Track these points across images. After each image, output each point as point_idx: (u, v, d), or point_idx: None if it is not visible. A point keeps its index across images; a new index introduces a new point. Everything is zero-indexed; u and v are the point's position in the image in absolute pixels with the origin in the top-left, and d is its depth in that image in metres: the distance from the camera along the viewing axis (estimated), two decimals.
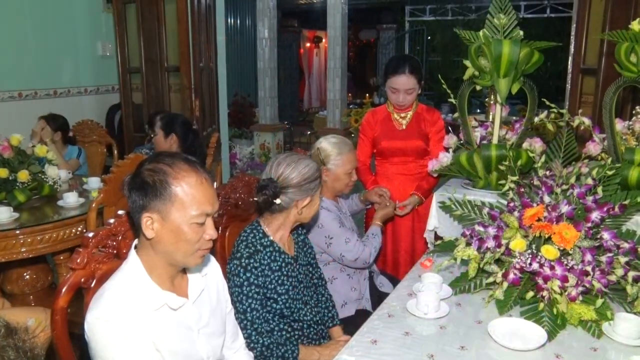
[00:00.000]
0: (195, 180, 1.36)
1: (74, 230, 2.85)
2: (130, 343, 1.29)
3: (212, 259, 1.67)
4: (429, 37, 13.76)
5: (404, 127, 2.99)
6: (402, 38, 14.19)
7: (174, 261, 1.41)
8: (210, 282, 1.60)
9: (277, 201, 1.92)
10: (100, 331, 1.28)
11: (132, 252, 1.44)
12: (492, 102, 2.60)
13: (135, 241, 1.48)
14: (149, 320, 1.35)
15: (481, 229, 1.95)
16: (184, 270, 1.52)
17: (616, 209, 1.82)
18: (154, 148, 3.54)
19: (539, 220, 1.82)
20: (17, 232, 2.65)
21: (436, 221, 2.53)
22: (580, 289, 1.71)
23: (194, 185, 1.35)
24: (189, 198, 1.34)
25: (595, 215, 1.80)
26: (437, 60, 13.53)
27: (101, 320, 1.28)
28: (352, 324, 2.21)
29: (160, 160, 1.36)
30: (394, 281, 2.70)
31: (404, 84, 2.85)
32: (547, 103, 2.39)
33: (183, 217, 1.34)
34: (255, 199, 1.97)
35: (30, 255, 2.72)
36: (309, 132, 10.09)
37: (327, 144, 2.53)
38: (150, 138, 3.51)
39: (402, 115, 2.99)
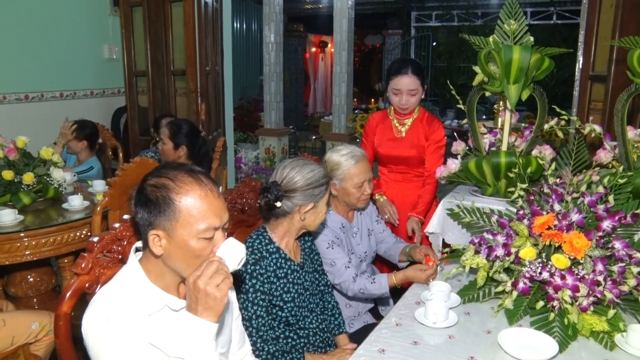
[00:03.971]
0: (200, 193, 1.30)
1: (78, 234, 2.83)
2: (125, 343, 1.26)
3: None
4: (435, 43, 13.76)
5: (403, 134, 2.94)
6: (407, 43, 14.18)
7: (184, 276, 1.37)
8: None
9: (278, 204, 1.90)
10: (94, 331, 1.26)
11: (132, 257, 1.41)
12: (501, 108, 2.58)
13: (137, 244, 1.45)
14: (148, 323, 1.32)
15: (490, 236, 1.92)
16: None
17: (628, 218, 1.78)
18: (159, 151, 3.52)
19: (549, 228, 1.79)
20: (22, 234, 2.64)
21: (437, 225, 2.51)
22: (592, 299, 1.68)
23: (198, 198, 1.30)
24: (194, 213, 1.29)
25: (606, 224, 1.77)
26: (442, 66, 13.51)
27: (96, 321, 1.26)
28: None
29: (163, 174, 1.32)
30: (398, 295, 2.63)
31: (406, 84, 2.78)
32: (558, 110, 2.36)
33: (190, 233, 1.29)
34: (258, 201, 1.95)
35: (35, 258, 2.71)
36: (314, 137, 10.08)
37: (333, 157, 2.39)
38: (156, 142, 3.49)
39: (402, 122, 2.94)
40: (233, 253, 1.32)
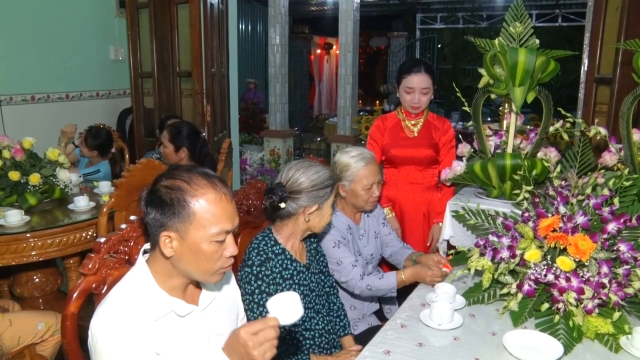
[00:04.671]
0: (214, 197, 1.31)
1: (84, 234, 2.85)
2: (131, 352, 1.27)
3: None
4: (440, 45, 13.75)
5: (415, 134, 2.95)
6: (412, 46, 14.18)
7: (192, 278, 1.39)
8: (223, 290, 1.59)
9: (282, 205, 1.90)
10: (101, 339, 1.27)
11: (140, 258, 1.42)
12: (506, 110, 2.58)
13: (146, 246, 1.46)
14: (154, 327, 1.33)
15: (495, 239, 1.93)
16: (199, 284, 1.50)
17: (633, 221, 1.78)
18: None
19: (554, 230, 1.79)
20: (28, 235, 2.66)
21: (451, 230, 2.51)
22: (597, 301, 1.68)
23: (212, 202, 1.31)
24: (207, 216, 1.30)
25: (611, 227, 1.77)
26: (447, 68, 13.50)
27: (103, 328, 1.27)
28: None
29: (177, 176, 1.32)
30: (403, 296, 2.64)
31: (419, 82, 2.82)
32: (563, 112, 2.36)
33: (202, 236, 1.30)
34: (263, 203, 1.96)
35: (41, 259, 2.72)
36: (318, 139, 10.09)
37: (343, 158, 2.39)
38: (162, 143, 3.51)
39: (413, 122, 2.96)
40: (291, 313, 1.30)
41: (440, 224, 2.85)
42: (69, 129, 3.97)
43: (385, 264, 2.82)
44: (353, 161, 2.36)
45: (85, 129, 4.13)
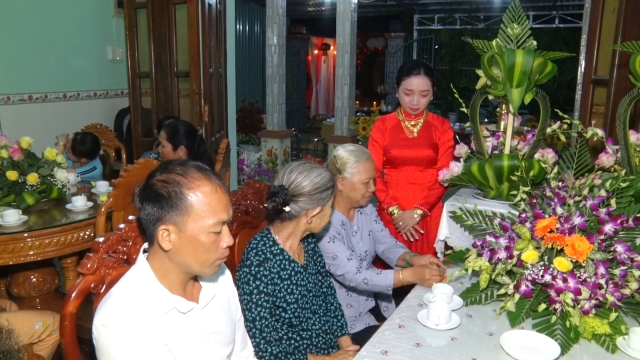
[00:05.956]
0: (210, 188, 1.34)
1: (82, 234, 2.85)
2: (136, 349, 1.27)
3: (223, 265, 1.65)
4: (437, 46, 13.76)
5: (415, 134, 2.96)
6: (410, 46, 14.19)
7: (190, 271, 1.40)
8: (221, 288, 1.59)
9: (287, 209, 1.91)
10: (106, 336, 1.27)
11: (141, 257, 1.42)
12: (504, 111, 2.58)
13: (145, 245, 1.46)
14: (158, 324, 1.34)
15: (492, 239, 1.93)
16: (197, 278, 1.51)
17: (630, 222, 1.79)
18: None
19: (551, 231, 1.80)
20: (25, 235, 2.66)
21: (447, 231, 2.51)
22: (594, 302, 1.69)
23: (208, 193, 1.33)
24: (204, 207, 1.32)
25: (608, 228, 1.78)
26: (445, 69, 13.50)
27: (107, 325, 1.27)
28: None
29: (172, 170, 1.34)
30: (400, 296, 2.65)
31: (419, 84, 2.83)
32: (560, 114, 2.37)
33: (201, 227, 1.32)
34: (265, 205, 1.96)
35: (38, 259, 2.72)
36: (316, 139, 10.10)
37: (343, 152, 2.44)
38: (159, 143, 3.51)
39: (413, 123, 2.97)
40: None
41: (418, 211, 2.89)
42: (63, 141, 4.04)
43: (379, 263, 2.83)
44: (354, 156, 2.42)
45: (72, 135, 4.16)
